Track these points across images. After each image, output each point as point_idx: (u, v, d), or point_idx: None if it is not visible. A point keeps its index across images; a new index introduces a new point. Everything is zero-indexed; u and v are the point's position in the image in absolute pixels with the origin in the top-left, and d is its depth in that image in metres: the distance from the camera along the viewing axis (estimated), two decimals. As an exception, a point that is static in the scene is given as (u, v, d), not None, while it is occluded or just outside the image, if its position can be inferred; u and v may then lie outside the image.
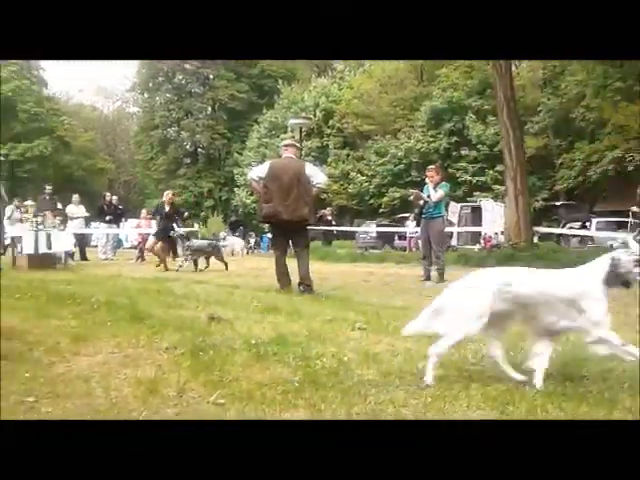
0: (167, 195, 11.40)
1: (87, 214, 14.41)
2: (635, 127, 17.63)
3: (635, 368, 2.84)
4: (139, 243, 14.84)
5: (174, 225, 10.52)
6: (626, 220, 17.82)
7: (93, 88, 53.99)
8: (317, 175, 6.70)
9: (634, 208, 6.64)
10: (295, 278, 6.46)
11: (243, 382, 2.60)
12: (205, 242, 10.86)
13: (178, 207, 12.36)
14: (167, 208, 10.93)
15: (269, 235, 24.25)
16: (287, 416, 2.18)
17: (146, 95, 44.67)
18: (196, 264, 9.67)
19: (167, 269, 9.73)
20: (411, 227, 19.81)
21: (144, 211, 16.29)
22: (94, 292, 5.50)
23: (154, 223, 15.36)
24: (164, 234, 10.24)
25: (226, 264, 9.95)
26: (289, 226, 6.47)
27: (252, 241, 23.34)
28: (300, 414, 2.21)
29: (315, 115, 30.52)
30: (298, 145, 7.56)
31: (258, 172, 6.73)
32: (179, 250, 10.25)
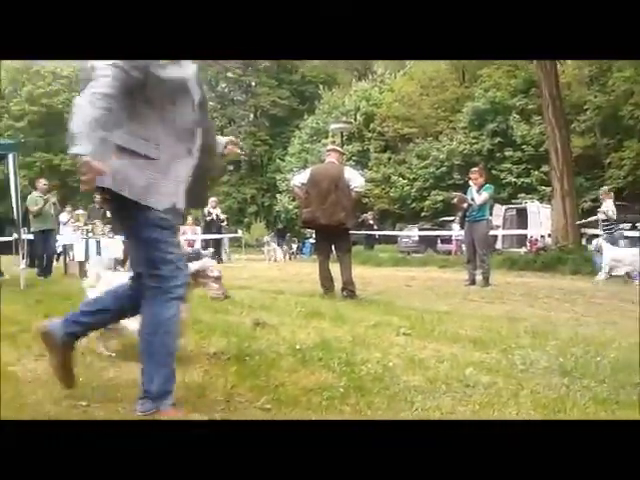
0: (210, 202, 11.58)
1: None
2: (688, 124, 17.00)
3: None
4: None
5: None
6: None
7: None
8: (355, 179, 6.72)
9: None
10: (339, 283, 6.48)
11: (289, 387, 2.61)
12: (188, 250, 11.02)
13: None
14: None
15: (311, 240, 24.44)
16: (333, 422, 2.18)
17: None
18: None
19: None
20: (456, 230, 19.60)
21: (190, 218, 16.57)
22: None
23: (199, 229, 15.67)
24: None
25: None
26: (329, 230, 6.56)
27: (294, 247, 23.43)
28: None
29: (356, 119, 30.53)
30: (341, 150, 7.66)
31: (300, 179, 6.86)
32: None
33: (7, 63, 39.81)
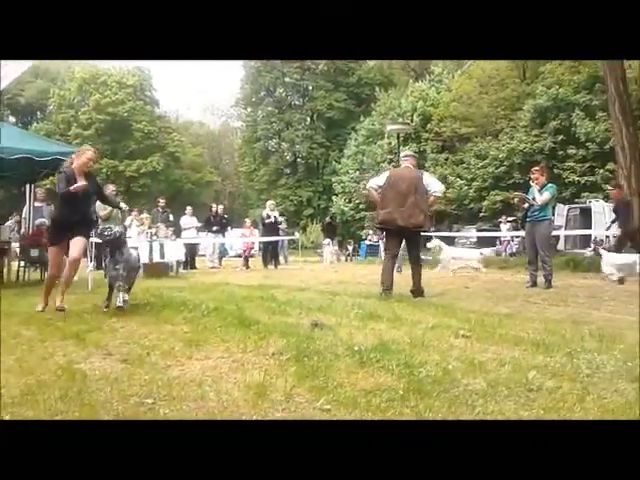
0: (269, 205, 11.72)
1: (199, 224, 15.15)
2: None
3: None
4: (244, 251, 15.40)
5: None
6: None
7: (200, 105, 56.91)
8: (434, 184, 6.98)
9: None
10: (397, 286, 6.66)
11: (347, 388, 2.63)
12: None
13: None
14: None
15: (367, 242, 24.36)
16: (393, 424, 2.18)
17: (249, 109, 46.36)
18: None
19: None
20: (504, 230, 19.11)
21: (248, 220, 16.89)
22: (204, 299, 5.78)
23: (257, 232, 15.94)
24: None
25: None
26: (404, 232, 6.77)
27: (350, 248, 23.44)
28: (406, 422, 2.21)
29: (412, 120, 30.24)
30: (416, 155, 7.92)
31: (377, 181, 7.05)
32: None
33: (76, 74, 41.68)
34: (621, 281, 8.49)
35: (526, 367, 2.94)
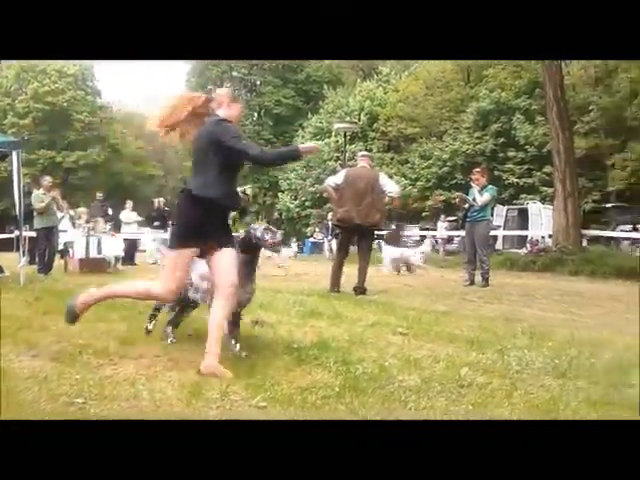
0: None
1: (140, 219, 14.79)
2: (692, 125, 16.93)
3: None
4: None
5: None
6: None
7: (143, 97, 55.65)
8: (390, 185, 7.22)
9: None
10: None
11: (284, 386, 2.63)
12: None
13: None
14: None
15: (312, 240, 24.43)
16: (327, 421, 2.19)
17: (195, 102, 45.56)
18: None
19: None
20: (441, 229, 19.58)
21: None
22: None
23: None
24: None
25: None
26: (359, 230, 6.95)
27: (294, 246, 23.43)
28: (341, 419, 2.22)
29: (360, 119, 30.50)
30: (372, 156, 8.19)
31: (335, 179, 7.19)
32: None
33: (13, 61, 39.94)
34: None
35: (459, 364, 3.02)
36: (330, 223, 7.29)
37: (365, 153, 7.94)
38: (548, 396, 2.44)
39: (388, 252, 11.24)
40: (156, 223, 14.61)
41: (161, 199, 16.23)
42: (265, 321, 4.10)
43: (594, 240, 15.98)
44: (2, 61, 40.92)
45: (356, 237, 7.15)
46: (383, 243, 11.88)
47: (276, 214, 23.98)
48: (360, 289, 6.77)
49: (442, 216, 21.96)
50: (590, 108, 23.70)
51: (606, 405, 2.31)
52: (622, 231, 17.80)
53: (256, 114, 43.36)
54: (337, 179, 7.11)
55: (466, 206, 8.56)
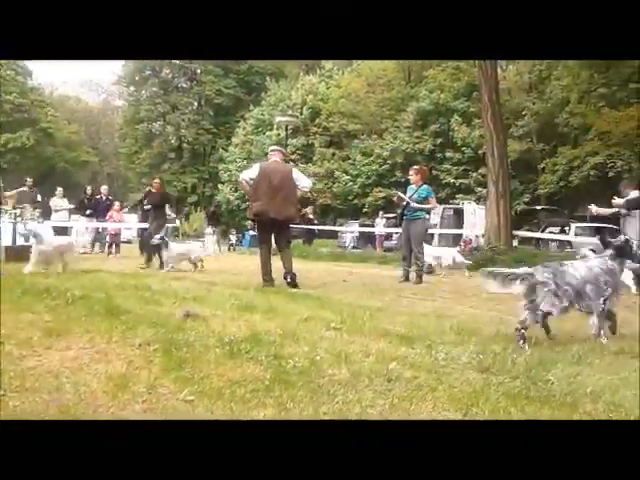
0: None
1: (71, 206, 14.28)
2: (617, 133, 17.88)
3: (599, 372, 2.92)
4: (111, 236, 14.70)
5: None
6: (604, 226, 18.08)
7: (78, 80, 53.59)
8: (303, 179, 7.34)
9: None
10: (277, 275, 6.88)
11: (214, 379, 2.61)
12: None
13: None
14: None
15: (251, 232, 24.30)
16: (255, 414, 2.20)
17: (132, 88, 44.38)
18: None
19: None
20: (380, 226, 19.94)
21: (117, 204, 15.99)
22: (70, 286, 5.45)
23: (125, 217, 15.32)
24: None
25: None
26: (275, 224, 7.03)
27: (233, 238, 23.25)
28: (268, 412, 2.23)
29: (302, 113, 30.55)
30: (284, 151, 8.15)
31: (249, 174, 7.18)
32: None
33: None
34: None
35: (389, 358, 3.08)
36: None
37: (276, 147, 8.00)
38: (470, 390, 2.53)
39: None
40: (88, 211, 14.17)
41: (104, 187, 15.77)
42: (197, 314, 4.05)
43: (524, 241, 16.66)
44: None
45: (274, 231, 7.23)
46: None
47: (212, 207, 23.58)
48: (289, 274, 6.93)
49: (380, 212, 22.30)
50: (524, 113, 24.63)
51: (524, 399, 2.41)
52: (551, 232, 18.63)
53: (196, 103, 42.63)
54: (252, 173, 7.12)
55: (404, 204, 8.71)
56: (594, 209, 8.24)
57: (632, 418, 2.21)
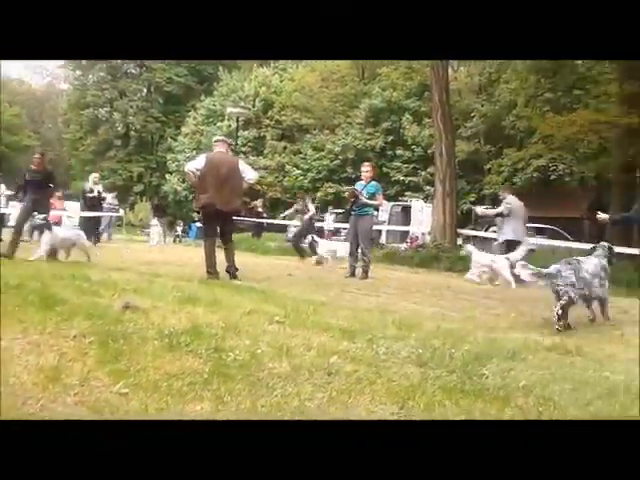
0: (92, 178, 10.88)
1: (8, 192, 13.71)
2: (560, 138, 18.49)
3: (532, 367, 3.01)
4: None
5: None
6: (544, 226, 18.74)
7: (22, 62, 51.46)
8: (249, 171, 7.32)
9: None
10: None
11: (150, 372, 2.56)
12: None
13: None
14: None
15: (197, 224, 23.96)
16: (191, 407, 2.17)
17: (78, 72, 42.85)
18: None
19: None
20: (329, 222, 20.04)
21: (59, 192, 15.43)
22: (4, 274, 5.23)
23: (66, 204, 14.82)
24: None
25: None
26: (221, 216, 7.01)
27: (179, 229, 22.85)
28: (205, 406, 2.20)
29: (254, 105, 30.28)
30: (229, 141, 8.17)
31: (195, 164, 7.07)
32: None
33: None
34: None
35: (330, 352, 3.09)
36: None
37: (221, 138, 7.94)
38: (408, 384, 2.57)
39: None
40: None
41: None
42: (137, 306, 3.95)
43: (468, 239, 17.05)
44: None
45: (219, 223, 7.20)
46: None
47: (155, 199, 23.09)
48: (232, 268, 6.93)
49: (330, 208, 22.37)
50: (472, 114, 25.19)
51: (459, 393, 2.47)
52: (493, 232, 19.12)
53: (145, 90, 41.62)
54: (198, 164, 7.03)
55: (352, 200, 8.75)
56: (479, 210, 9.20)
57: (559, 413, 2.29)
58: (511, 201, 9.87)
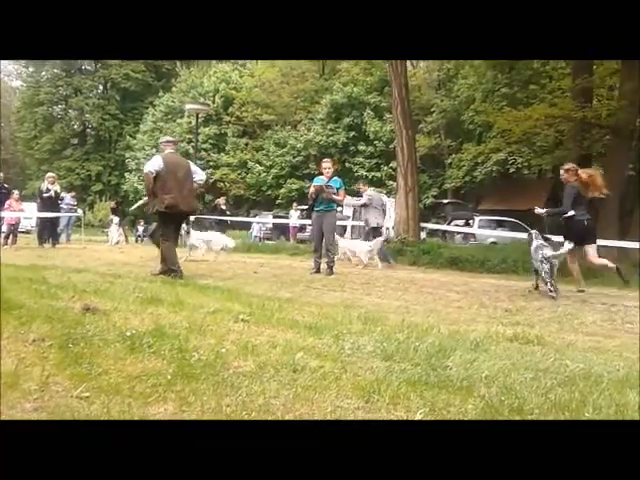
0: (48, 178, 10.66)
1: None
2: (517, 132, 18.89)
3: (494, 358, 3.07)
4: (9, 226, 13.82)
5: None
6: (505, 219, 19.12)
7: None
8: (199, 172, 7.43)
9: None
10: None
11: (112, 375, 2.51)
12: None
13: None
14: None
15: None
16: (154, 410, 2.13)
17: (31, 69, 41.69)
18: None
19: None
20: (294, 218, 20.04)
21: (15, 192, 15.02)
22: (-42, 279, 5.06)
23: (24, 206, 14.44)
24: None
25: None
26: (182, 216, 7.24)
27: (141, 229, 22.48)
28: (169, 407, 2.17)
29: (214, 101, 29.99)
30: (177, 141, 8.36)
31: (154, 166, 6.95)
32: None
33: None
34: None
35: (295, 349, 3.08)
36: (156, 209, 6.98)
37: (171, 138, 7.93)
38: (374, 377, 2.58)
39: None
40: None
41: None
42: (97, 308, 3.87)
43: (432, 233, 17.29)
44: None
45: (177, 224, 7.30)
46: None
47: (112, 201, 22.55)
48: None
49: (294, 204, 22.33)
50: (432, 109, 25.50)
51: (423, 385, 2.49)
52: (456, 225, 19.44)
53: (101, 87, 40.77)
54: (156, 165, 6.92)
55: (314, 196, 8.75)
56: (346, 201, 10.43)
57: (520, 402, 2.34)
58: (371, 194, 11.64)
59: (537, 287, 7.02)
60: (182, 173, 6.94)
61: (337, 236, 9.99)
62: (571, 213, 6.97)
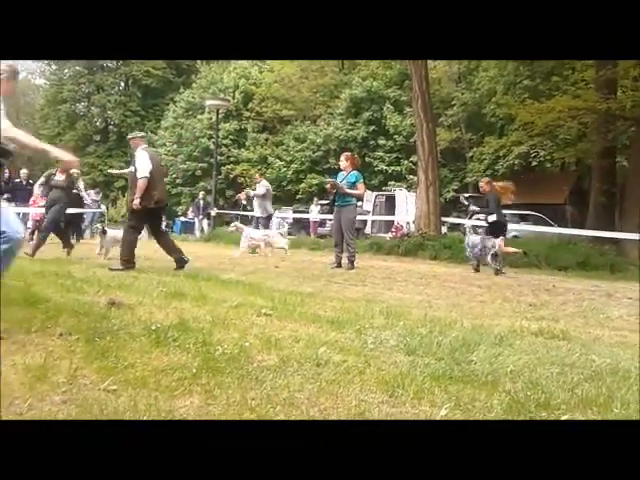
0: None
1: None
2: (539, 124, 18.65)
3: (519, 352, 3.04)
4: (35, 222, 13.99)
5: None
6: (528, 213, 18.89)
7: (-4, 56, 50.50)
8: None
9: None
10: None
11: (138, 368, 2.54)
12: None
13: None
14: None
15: (182, 219, 23.83)
16: (180, 403, 2.15)
17: (54, 67, 42.23)
18: None
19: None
20: (314, 212, 20.05)
21: (37, 189, 15.15)
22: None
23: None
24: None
25: None
26: (161, 209, 7.55)
27: (163, 225, 22.65)
28: (195, 400, 2.19)
29: (234, 97, 30.06)
30: (145, 135, 8.48)
31: (148, 169, 6.95)
32: None
33: None
34: None
35: (318, 343, 3.09)
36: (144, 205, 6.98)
37: (142, 134, 8.05)
38: (397, 372, 2.58)
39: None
40: (6, 196, 13.41)
41: (24, 171, 14.97)
42: (122, 302, 3.92)
43: (453, 227, 17.16)
44: None
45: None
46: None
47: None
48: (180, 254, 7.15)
49: (315, 199, 22.33)
50: (453, 103, 25.25)
51: (448, 379, 2.48)
52: (477, 220, 19.25)
53: (123, 84, 41.14)
54: (149, 168, 6.93)
55: (334, 191, 8.75)
56: (251, 192, 12.03)
57: (546, 396, 2.32)
58: (266, 184, 13.17)
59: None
60: (159, 166, 7.35)
61: (244, 226, 11.24)
62: (494, 217, 9.49)
